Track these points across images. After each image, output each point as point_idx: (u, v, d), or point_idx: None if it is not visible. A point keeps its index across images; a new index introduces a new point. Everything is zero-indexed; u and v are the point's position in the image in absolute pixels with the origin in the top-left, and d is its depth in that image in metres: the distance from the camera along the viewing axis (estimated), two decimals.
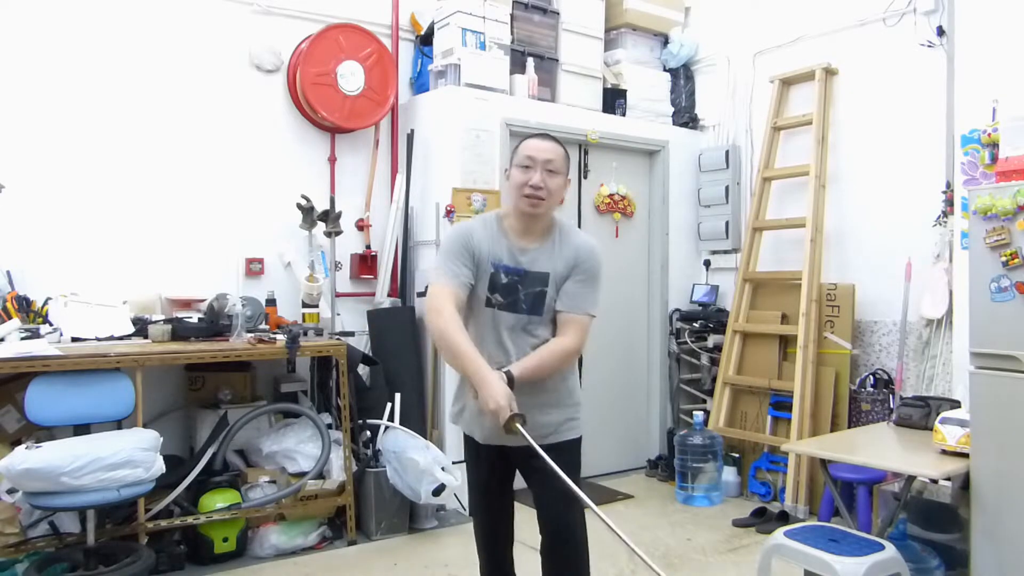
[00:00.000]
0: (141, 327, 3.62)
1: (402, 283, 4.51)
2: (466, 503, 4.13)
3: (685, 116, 5.30)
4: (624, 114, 5.02)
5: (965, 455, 2.82)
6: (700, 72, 5.34)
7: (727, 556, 3.65)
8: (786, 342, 4.56)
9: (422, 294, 4.33)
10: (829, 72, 4.53)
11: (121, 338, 3.56)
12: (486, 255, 2.29)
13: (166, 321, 3.65)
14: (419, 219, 4.46)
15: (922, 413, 3.30)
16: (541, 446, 2.10)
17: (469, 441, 2.47)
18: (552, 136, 2.39)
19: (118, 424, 3.31)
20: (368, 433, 3.99)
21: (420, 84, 4.70)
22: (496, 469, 2.46)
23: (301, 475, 3.63)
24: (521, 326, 2.30)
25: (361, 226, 4.55)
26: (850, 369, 4.25)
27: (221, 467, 3.67)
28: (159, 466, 3.00)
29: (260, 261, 4.20)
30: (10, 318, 3.34)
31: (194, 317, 3.76)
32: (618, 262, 5.06)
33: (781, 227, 4.72)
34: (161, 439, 3.09)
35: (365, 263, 4.50)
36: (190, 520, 3.40)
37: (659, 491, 4.68)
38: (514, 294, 2.29)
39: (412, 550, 3.71)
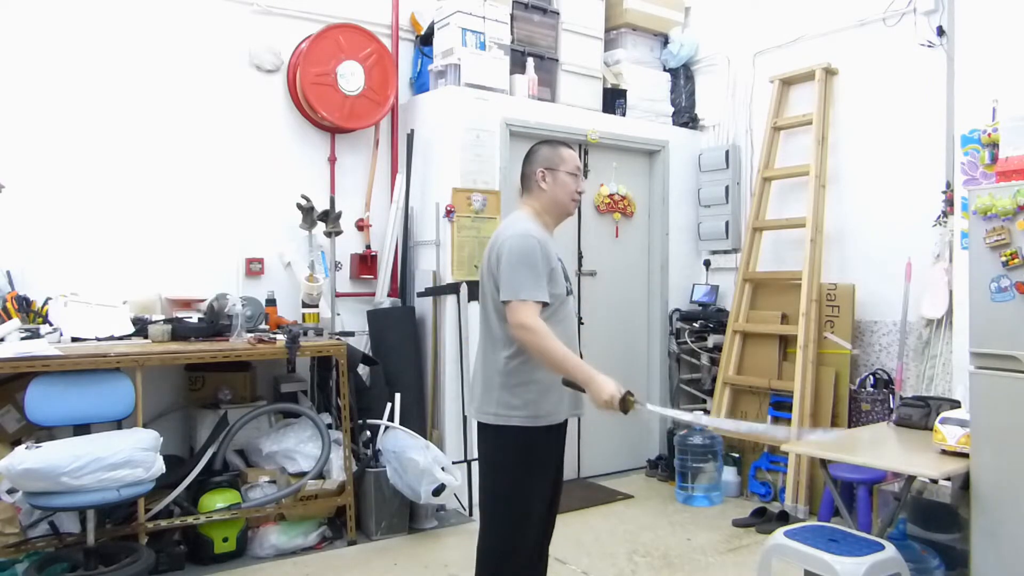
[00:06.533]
0: (141, 327, 3.62)
1: (402, 283, 4.51)
2: (466, 503, 4.13)
3: (685, 116, 5.30)
4: (624, 114, 5.02)
5: (965, 455, 2.82)
6: (700, 72, 5.34)
7: (727, 556, 3.66)
8: (786, 342, 4.56)
9: (422, 294, 4.33)
10: (829, 72, 4.53)
11: (121, 338, 3.56)
12: (555, 253, 2.41)
13: (166, 321, 3.65)
14: (419, 219, 4.46)
15: (922, 413, 3.30)
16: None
17: (546, 433, 2.37)
18: None
19: (118, 424, 3.31)
20: (368, 433, 3.99)
21: (420, 84, 4.70)
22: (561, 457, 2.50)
23: (301, 475, 3.63)
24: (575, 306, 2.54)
25: (361, 226, 4.55)
26: (850, 369, 4.25)
27: (221, 467, 3.67)
28: (159, 466, 3.00)
29: (260, 261, 4.20)
30: (10, 318, 3.34)
31: (194, 317, 3.76)
32: (618, 262, 5.07)
33: (781, 227, 4.72)
34: (161, 439, 3.09)
35: (365, 263, 4.50)
36: (190, 520, 3.40)
37: (659, 491, 4.68)
38: (568, 280, 2.50)
39: (412, 550, 3.71)
